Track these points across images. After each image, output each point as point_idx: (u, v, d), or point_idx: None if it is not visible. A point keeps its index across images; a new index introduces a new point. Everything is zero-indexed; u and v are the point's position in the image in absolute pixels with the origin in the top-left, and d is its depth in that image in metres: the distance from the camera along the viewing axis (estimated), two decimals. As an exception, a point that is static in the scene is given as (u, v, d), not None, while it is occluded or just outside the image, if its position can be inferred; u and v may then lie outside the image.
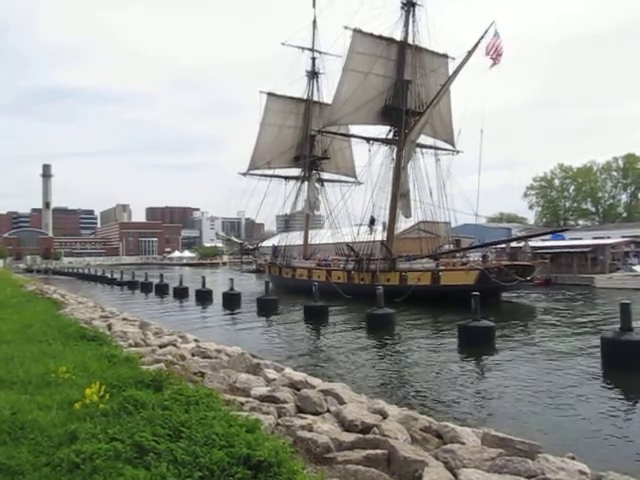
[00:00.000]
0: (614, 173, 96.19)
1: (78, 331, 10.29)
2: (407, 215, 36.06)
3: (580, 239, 52.04)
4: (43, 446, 4.15)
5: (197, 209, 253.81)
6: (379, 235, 37.85)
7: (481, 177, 48.18)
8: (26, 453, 3.98)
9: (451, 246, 37.30)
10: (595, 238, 51.22)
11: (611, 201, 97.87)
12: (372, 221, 36.52)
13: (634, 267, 41.13)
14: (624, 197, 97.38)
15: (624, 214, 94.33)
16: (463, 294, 26.03)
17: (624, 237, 49.77)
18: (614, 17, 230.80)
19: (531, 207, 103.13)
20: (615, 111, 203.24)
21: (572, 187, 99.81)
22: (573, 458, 5.39)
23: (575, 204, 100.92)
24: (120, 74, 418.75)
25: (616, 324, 14.17)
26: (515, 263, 30.09)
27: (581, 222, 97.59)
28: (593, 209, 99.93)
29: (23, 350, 7.96)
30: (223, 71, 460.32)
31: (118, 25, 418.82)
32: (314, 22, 45.75)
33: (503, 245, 38.52)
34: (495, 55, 30.27)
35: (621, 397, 10.93)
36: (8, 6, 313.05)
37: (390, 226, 36.23)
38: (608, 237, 50.99)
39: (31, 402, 5.19)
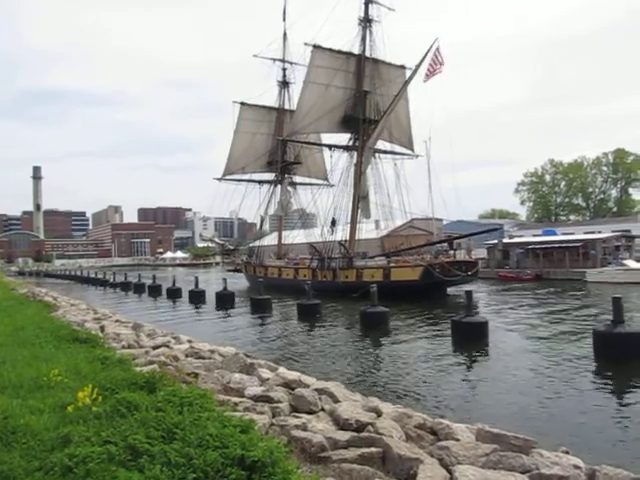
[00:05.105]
0: (604, 168, 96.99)
1: (70, 334, 10.21)
2: (367, 216, 38.28)
3: (572, 234, 52.58)
4: (35, 450, 4.10)
5: (189, 209, 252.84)
6: (373, 233, 39.15)
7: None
8: (18, 458, 3.94)
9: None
10: (586, 233, 51.65)
11: (601, 196, 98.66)
12: (333, 222, 38.66)
13: (625, 261, 41.53)
14: (614, 192, 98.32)
15: (614, 209, 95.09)
16: (410, 288, 28.43)
17: (615, 231, 50.27)
18: (612, 14, 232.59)
19: (522, 203, 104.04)
20: (611, 109, 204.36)
21: (563, 182, 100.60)
22: (567, 452, 5.42)
23: (566, 199, 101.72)
24: (111, 75, 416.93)
25: (605, 316, 14.30)
26: (458, 260, 32.03)
27: (572, 217, 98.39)
28: (584, 204, 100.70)
29: (15, 353, 7.88)
30: (213, 72, 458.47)
31: (109, 26, 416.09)
32: (284, 35, 47.90)
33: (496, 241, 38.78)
34: (433, 70, 33.04)
35: (614, 390, 11.01)
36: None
37: (352, 226, 38.06)
38: (599, 232, 51.40)
39: (23, 406, 5.13)
